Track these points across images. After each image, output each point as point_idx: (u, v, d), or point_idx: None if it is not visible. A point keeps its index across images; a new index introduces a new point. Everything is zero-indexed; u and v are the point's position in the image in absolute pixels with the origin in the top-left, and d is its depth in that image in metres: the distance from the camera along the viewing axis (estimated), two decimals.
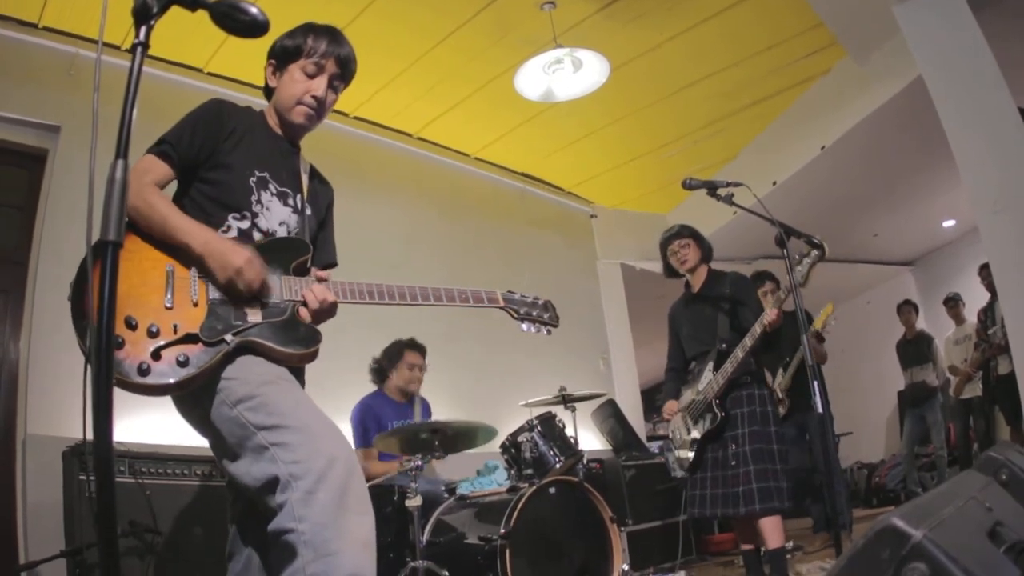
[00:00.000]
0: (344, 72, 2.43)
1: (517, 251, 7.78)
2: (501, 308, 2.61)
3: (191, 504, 4.15)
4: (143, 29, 1.39)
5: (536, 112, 6.72)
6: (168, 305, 1.99)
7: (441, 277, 6.76)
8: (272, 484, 1.85)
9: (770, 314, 3.86)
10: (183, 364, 1.93)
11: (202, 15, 1.47)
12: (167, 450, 4.19)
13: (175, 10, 1.42)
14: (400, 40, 5.71)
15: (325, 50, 2.36)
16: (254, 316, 2.09)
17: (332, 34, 2.41)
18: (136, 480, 3.92)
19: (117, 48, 4.80)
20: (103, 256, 1.25)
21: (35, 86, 4.89)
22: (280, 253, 2.24)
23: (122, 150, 1.31)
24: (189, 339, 1.96)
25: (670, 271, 4.54)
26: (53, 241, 4.57)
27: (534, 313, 2.68)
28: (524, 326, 2.67)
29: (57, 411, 4.18)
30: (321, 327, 2.23)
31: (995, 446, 1.92)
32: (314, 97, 2.36)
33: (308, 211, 2.44)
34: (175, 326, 1.96)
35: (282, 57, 2.39)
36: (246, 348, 2.04)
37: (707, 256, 4.49)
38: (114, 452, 1.25)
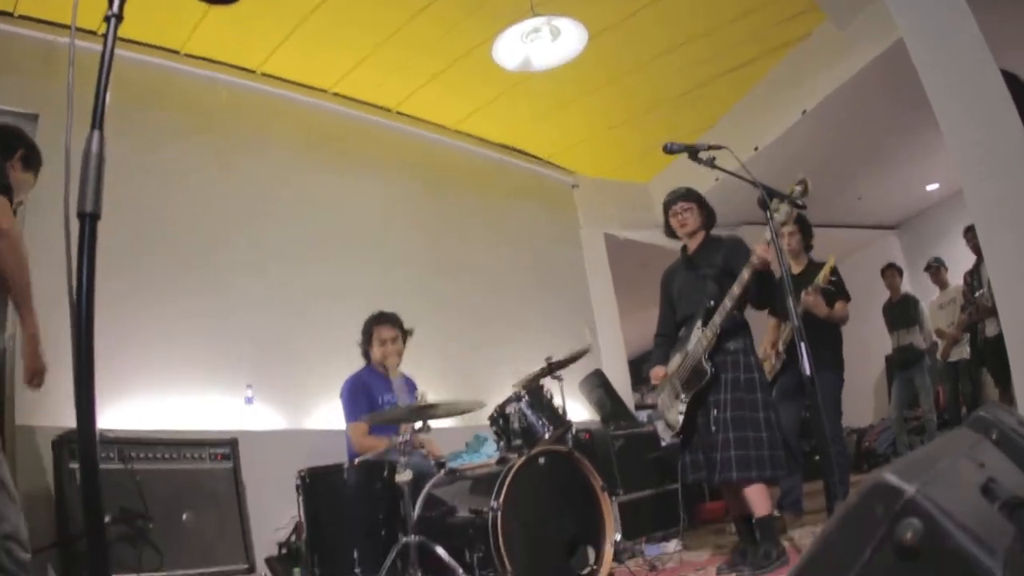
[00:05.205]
0: None
1: (499, 222, 7.77)
2: None
3: (181, 488, 4.14)
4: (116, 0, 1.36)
5: (514, 83, 6.65)
6: None
7: (423, 250, 6.76)
8: None
9: (759, 249, 3.77)
10: None
11: None
12: (155, 435, 4.17)
13: None
14: (375, 14, 5.63)
15: None
16: None
17: None
18: (126, 466, 3.90)
19: (93, 33, 4.74)
20: (81, 229, 1.22)
21: (12, 75, 4.84)
22: None
23: (97, 121, 1.29)
24: None
25: (670, 231, 4.47)
26: (33, 229, 4.51)
27: None
28: None
29: (46, 401, 4.14)
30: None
31: (984, 406, 1.90)
32: None
33: None
34: None
35: None
36: None
37: (708, 223, 4.41)
38: (97, 439, 1.22)
